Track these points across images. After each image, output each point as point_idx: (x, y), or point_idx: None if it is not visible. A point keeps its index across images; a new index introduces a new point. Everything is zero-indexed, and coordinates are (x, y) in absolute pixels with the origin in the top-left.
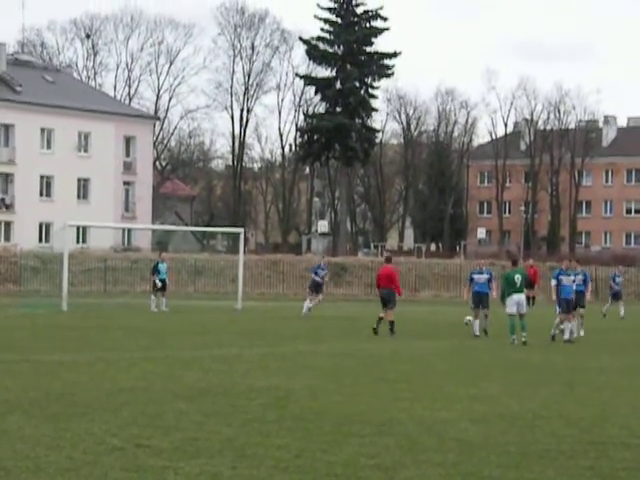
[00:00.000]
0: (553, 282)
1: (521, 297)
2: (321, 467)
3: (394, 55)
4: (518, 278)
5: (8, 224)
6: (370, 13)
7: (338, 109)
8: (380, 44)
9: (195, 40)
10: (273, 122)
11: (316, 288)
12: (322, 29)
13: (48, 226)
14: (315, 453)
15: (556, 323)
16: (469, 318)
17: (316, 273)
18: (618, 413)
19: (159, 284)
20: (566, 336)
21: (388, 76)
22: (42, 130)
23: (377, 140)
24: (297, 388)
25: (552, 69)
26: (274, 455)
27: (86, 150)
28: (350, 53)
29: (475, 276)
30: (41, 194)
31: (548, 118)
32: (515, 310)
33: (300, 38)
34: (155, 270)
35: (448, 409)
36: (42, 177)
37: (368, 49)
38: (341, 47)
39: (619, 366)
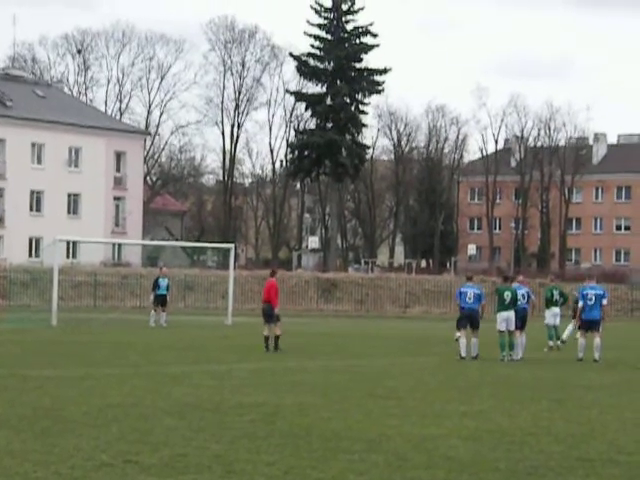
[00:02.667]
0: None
1: (510, 314)
2: None
3: (384, 71)
4: (508, 295)
5: None
6: (360, 29)
7: (329, 125)
8: (370, 61)
9: (186, 56)
10: (264, 138)
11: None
12: (312, 45)
13: (38, 241)
14: (304, 469)
15: (580, 344)
16: (460, 334)
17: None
18: (606, 430)
19: (152, 299)
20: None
21: (378, 92)
22: (33, 145)
23: (367, 156)
24: (286, 404)
25: (542, 86)
26: (263, 471)
27: (76, 165)
28: (340, 69)
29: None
30: (31, 209)
31: (538, 135)
32: (505, 327)
33: (290, 54)
34: (155, 285)
35: (437, 426)
36: (32, 192)
37: (358, 65)
38: (331, 63)
39: (607, 383)
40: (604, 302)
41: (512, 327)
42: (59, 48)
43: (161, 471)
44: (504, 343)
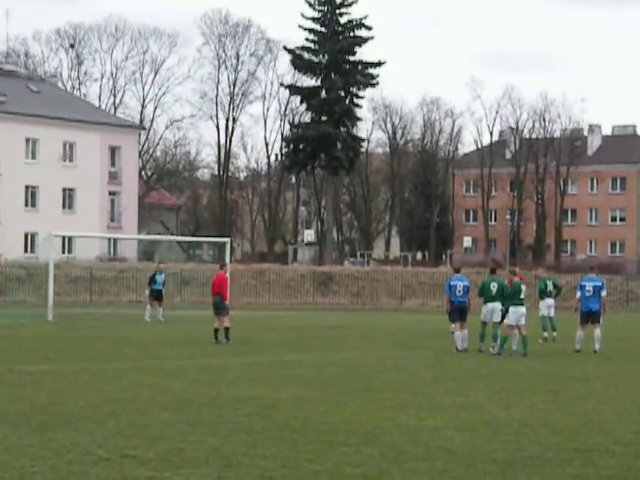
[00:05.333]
0: (578, 294)
1: (496, 306)
2: (307, 476)
3: (379, 64)
4: (494, 286)
5: None
6: (354, 22)
7: (323, 118)
8: (365, 53)
9: (180, 50)
10: (259, 131)
11: None
12: (307, 39)
13: (33, 236)
14: (301, 463)
15: (578, 336)
16: (454, 327)
17: None
18: (603, 421)
19: (148, 293)
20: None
21: (373, 85)
22: (27, 140)
23: (362, 149)
24: (283, 398)
25: (537, 79)
26: (260, 465)
27: (71, 160)
28: (335, 62)
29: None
30: (26, 204)
31: (533, 127)
32: (488, 318)
33: (285, 48)
34: (152, 280)
35: (434, 417)
36: (27, 187)
37: (352, 58)
38: (326, 56)
39: (603, 374)
40: (603, 294)
41: (497, 319)
42: (52, 43)
43: (158, 465)
44: (484, 334)
